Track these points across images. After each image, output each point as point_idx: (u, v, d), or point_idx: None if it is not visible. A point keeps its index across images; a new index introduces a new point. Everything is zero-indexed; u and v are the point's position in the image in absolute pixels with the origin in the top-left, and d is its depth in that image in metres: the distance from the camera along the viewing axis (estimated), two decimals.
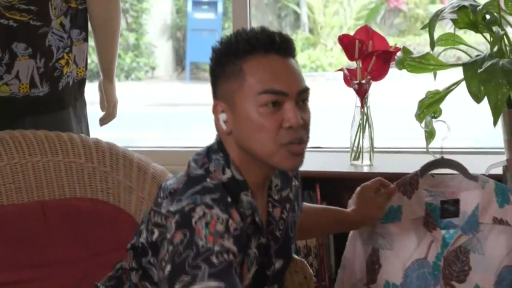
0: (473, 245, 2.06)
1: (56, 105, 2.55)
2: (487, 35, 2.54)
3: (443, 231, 2.07)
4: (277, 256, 1.78)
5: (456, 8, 2.51)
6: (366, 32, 2.77)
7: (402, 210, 2.08)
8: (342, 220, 2.06)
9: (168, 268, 1.56)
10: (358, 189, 2.08)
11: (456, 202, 2.07)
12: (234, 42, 1.67)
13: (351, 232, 2.13)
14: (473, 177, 2.08)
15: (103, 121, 2.78)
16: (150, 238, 1.70)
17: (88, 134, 2.67)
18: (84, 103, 2.69)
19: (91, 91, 2.79)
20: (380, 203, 2.04)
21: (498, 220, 2.06)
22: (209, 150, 1.72)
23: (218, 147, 1.71)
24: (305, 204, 2.12)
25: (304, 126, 1.68)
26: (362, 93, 2.77)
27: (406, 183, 2.08)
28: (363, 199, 2.05)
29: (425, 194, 2.08)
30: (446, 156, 2.73)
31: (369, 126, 2.81)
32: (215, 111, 1.70)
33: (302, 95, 1.68)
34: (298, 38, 11.16)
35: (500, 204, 2.07)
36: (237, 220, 1.60)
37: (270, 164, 1.67)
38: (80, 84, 2.63)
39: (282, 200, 1.81)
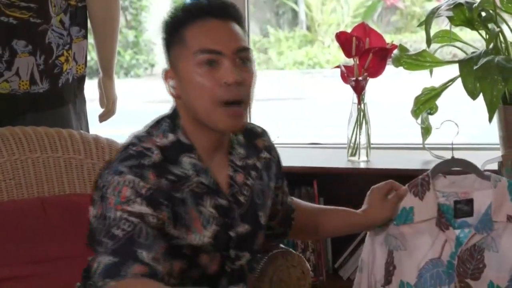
0: (487, 244, 2.04)
1: (56, 102, 2.56)
2: (483, 32, 2.55)
3: (457, 231, 2.06)
4: (242, 221, 1.83)
5: (452, 6, 2.52)
6: (363, 29, 2.78)
7: (414, 211, 2.06)
8: (353, 222, 2.08)
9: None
10: (369, 191, 2.10)
11: (470, 202, 2.05)
12: (177, 12, 1.77)
13: (367, 235, 2.14)
14: (486, 176, 2.07)
15: (103, 117, 2.79)
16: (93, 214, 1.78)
17: (87, 130, 2.68)
18: (83, 100, 2.69)
19: (91, 88, 2.80)
20: (391, 204, 2.06)
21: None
22: (163, 117, 1.81)
23: (171, 113, 1.80)
24: (317, 206, 2.18)
25: (244, 85, 1.73)
26: (359, 90, 2.79)
27: (418, 184, 2.08)
28: (374, 201, 2.07)
29: (437, 195, 2.08)
30: (442, 153, 2.75)
31: (366, 123, 2.82)
32: (165, 78, 1.79)
33: (241, 54, 1.73)
34: (296, 35, 11.16)
35: None
36: (152, 181, 1.68)
37: (208, 125, 1.73)
38: (79, 81, 2.64)
39: (246, 167, 1.86)
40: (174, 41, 1.76)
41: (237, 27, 1.76)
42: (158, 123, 1.80)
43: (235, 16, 1.78)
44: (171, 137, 1.77)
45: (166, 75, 1.78)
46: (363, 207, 2.07)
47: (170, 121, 1.79)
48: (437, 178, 2.10)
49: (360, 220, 2.06)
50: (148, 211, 1.66)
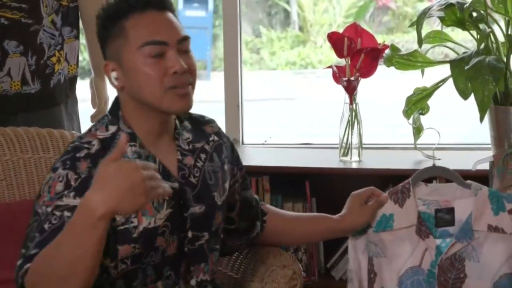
0: (468, 253, 2.04)
1: (48, 102, 2.56)
2: (474, 33, 2.55)
3: (438, 240, 2.06)
4: (196, 202, 1.88)
5: (443, 6, 2.52)
6: (354, 29, 2.79)
7: (394, 218, 2.07)
8: (331, 227, 2.10)
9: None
10: (349, 196, 2.11)
11: (451, 210, 2.06)
12: (113, 5, 1.80)
13: (349, 244, 2.14)
14: (467, 185, 2.07)
15: (94, 118, 2.78)
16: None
17: (79, 131, 2.68)
18: (75, 100, 2.70)
19: (83, 89, 2.80)
20: (369, 210, 2.08)
21: (493, 227, 2.04)
22: (105, 114, 1.87)
23: (111, 107, 1.87)
24: (294, 213, 2.22)
25: (190, 71, 1.80)
26: (351, 90, 2.79)
27: (398, 192, 2.08)
28: (352, 206, 2.08)
29: (418, 203, 2.07)
30: (431, 152, 2.76)
31: (358, 123, 2.83)
32: (106, 70, 1.82)
33: (183, 44, 1.80)
34: (288, 35, 11.16)
35: (496, 212, 2.05)
36: (82, 170, 1.73)
37: (161, 109, 1.79)
38: (71, 82, 2.64)
39: (194, 150, 1.92)
40: (113, 33, 1.79)
41: (174, 17, 1.82)
42: (99, 120, 1.87)
43: (170, 6, 1.83)
44: (112, 128, 1.83)
45: (107, 67, 1.81)
46: (342, 212, 2.09)
47: (110, 114, 1.85)
48: (418, 185, 2.09)
49: (337, 225, 2.08)
50: (77, 202, 1.65)
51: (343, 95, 2.82)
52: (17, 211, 2.21)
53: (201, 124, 1.99)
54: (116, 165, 1.54)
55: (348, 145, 2.85)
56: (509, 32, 2.53)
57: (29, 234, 1.72)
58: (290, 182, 2.92)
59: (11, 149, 2.25)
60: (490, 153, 2.50)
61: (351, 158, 2.86)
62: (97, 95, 2.76)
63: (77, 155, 1.76)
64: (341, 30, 2.81)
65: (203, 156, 1.94)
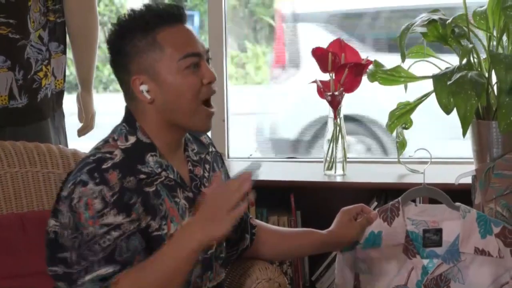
0: (453, 274, 2.06)
1: (35, 116, 2.56)
2: (456, 48, 2.58)
3: (425, 260, 2.07)
4: None
5: (426, 22, 2.55)
6: (338, 45, 2.81)
7: (382, 236, 2.08)
8: (319, 242, 2.12)
9: (64, 253, 1.77)
10: (339, 212, 2.14)
11: (439, 231, 2.08)
12: (139, 18, 1.83)
13: (337, 260, 2.15)
14: (455, 207, 2.09)
15: (81, 132, 2.79)
16: (47, 230, 1.85)
17: (66, 145, 2.68)
18: (62, 114, 2.70)
19: (70, 103, 2.81)
20: (358, 226, 2.10)
21: (480, 250, 2.06)
22: (117, 125, 1.90)
23: (124, 119, 1.89)
24: (283, 228, 2.26)
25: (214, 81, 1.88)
26: (335, 104, 2.81)
27: (387, 210, 2.09)
28: (341, 222, 2.11)
29: (407, 222, 2.08)
30: (416, 166, 2.78)
31: (342, 137, 2.85)
32: (134, 85, 1.84)
33: (208, 54, 1.89)
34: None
35: (483, 235, 2.07)
36: (114, 183, 1.77)
37: (187, 125, 1.86)
38: (58, 96, 2.65)
39: (201, 161, 1.98)
40: (142, 47, 1.82)
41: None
42: (114, 131, 1.89)
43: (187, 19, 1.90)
44: (131, 139, 1.85)
45: (136, 82, 1.84)
46: (331, 227, 2.11)
47: (126, 125, 1.87)
48: (407, 205, 2.11)
49: (325, 239, 2.10)
50: (120, 219, 1.74)
51: (328, 110, 2.84)
52: (4, 225, 2.21)
53: (197, 135, 2.03)
54: (224, 195, 1.66)
55: (332, 159, 2.87)
56: (491, 48, 2.56)
57: (73, 250, 1.75)
58: (275, 196, 2.93)
59: None
60: (473, 167, 2.52)
61: (335, 172, 2.87)
62: (84, 109, 2.77)
63: (103, 166, 1.78)
64: (325, 46, 2.84)
65: (207, 166, 1.99)
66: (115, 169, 1.78)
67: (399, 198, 2.10)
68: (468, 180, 2.43)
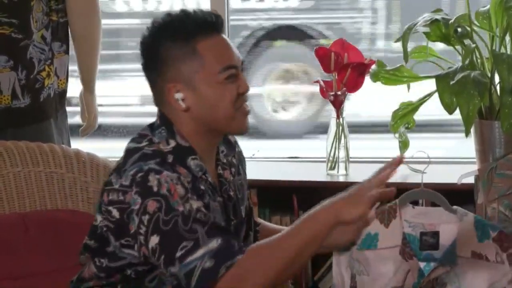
0: (450, 278, 2.05)
1: (38, 116, 2.56)
2: (459, 48, 2.58)
3: (422, 263, 2.05)
4: (233, 215, 1.93)
5: (428, 22, 2.54)
6: (341, 45, 2.81)
7: (378, 237, 2.08)
8: None
9: (154, 238, 1.71)
10: None
11: (436, 234, 2.07)
12: (179, 25, 1.82)
13: (333, 260, 2.15)
14: (452, 210, 2.08)
15: (84, 132, 2.80)
16: (109, 219, 1.80)
17: (69, 145, 2.68)
18: (65, 114, 2.70)
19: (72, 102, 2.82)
20: (355, 228, 2.07)
21: (477, 254, 2.05)
22: (151, 128, 1.88)
23: (161, 122, 1.86)
24: (273, 225, 2.22)
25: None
26: (338, 104, 2.81)
27: (385, 212, 2.08)
28: None
29: (404, 225, 2.08)
30: (418, 166, 2.78)
31: (345, 137, 2.85)
32: (170, 92, 1.83)
33: (243, 65, 1.89)
34: None
35: (480, 239, 2.06)
36: (186, 174, 1.78)
37: (227, 129, 1.88)
38: (61, 96, 2.65)
39: (229, 164, 1.97)
40: (181, 55, 1.81)
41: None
42: (152, 132, 1.86)
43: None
44: (172, 143, 1.84)
45: (171, 89, 1.82)
46: None
47: (165, 128, 1.85)
48: (405, 207, 2.10)
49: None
50: (200, 204, 1.75)
51: (330, 110, 2.84)
52: (6, 225, 2.22)
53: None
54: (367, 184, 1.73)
55: (335, 159, 2.87)
56: (494, 48, 2.55)
57: (176, 225, 1.71)
58: (277, 196, 2.93)
59: (1, 162, 2.27)
60: (475, 167, 2.52)
61: (338, 172, 2.87)
62: (87, 109, 2.77)
63: (168, 161, 1.79)
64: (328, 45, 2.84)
65: (233, 170, 1.98)
66: (178, 163, 1.79)
67: (397, 200, 2.10)
68: (470, 180, 2.42)
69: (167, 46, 1.82)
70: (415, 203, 2.17)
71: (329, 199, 1.76)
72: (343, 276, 2.11)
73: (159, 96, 1.87)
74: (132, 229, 1.76)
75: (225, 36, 1.87)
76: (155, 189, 1.73)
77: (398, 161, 1.73)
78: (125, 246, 1.81)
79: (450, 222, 2.07)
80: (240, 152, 2.07)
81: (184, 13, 1.83)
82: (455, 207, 2.09)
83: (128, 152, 1.83)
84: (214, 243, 1.69)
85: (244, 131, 1.89)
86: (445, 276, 2.05)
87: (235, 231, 1.93)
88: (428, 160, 2.25)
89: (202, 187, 1.83)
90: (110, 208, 1.79)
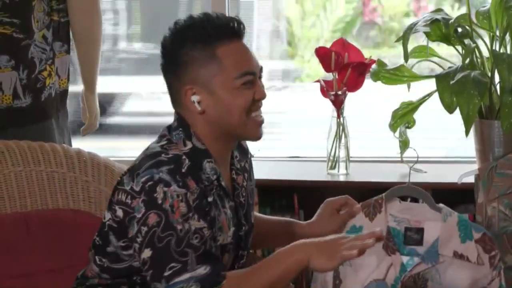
0: (431, 274, 2.05)
1: (39, 116, 2.56)
2: (459, 48, 2.58)
3: (405, 258, 2.07)
4: (244, 220, 1.95)
5: (429, 22, 2.55)
6: (342, 44, 2.81)
7: (363, 230, 2.07)
8: (296, 232, 2.12)
9: (147, 252, 1.74)
10: (324, 202, 2.14)
11: (420, 230, 2.07)
12: (200, 28, 1.83)
13: None
14: (437, 208, 2.09)
15: (85, 131, 2.80)
16: (114, 218, 1.83)
17: (70, 144, 2.68)
18: (66, 114, 2.71)
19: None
20: (340, 220, 2.10)
21: (459, 254, 2.05)
22: (169, 129, 1.89)
23: (178, 124, 1.88)
24: (258, 214, 2.21)
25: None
26: (338, 103, 2.82)
27: (370, 205, 2.09)
28: (323, 213, 2.11)
29: (389, 219, 2.09)
30: (419, 165, 2.78)
31: (345, 136, 2.85)
32: (186, 94, 1.84)
33: (261, 72, 1.90)
34: (276, 50, 11.17)
35: (463, 239, 2.06)
36: (194, 188, 1.78)
37: (241, 135, 1.89)
38: (62, 95, 2.65)
39: (242, 169, 1.98)
40: (201, 59, 1.82)
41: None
42: (170, 133, 1.88)
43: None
44: (189, 144, 1.85)
45: (189, 91, 1.84)
46: (313, 218, 2.12)
47: (182, 130, 1.87)
48: (392, 201, 2.10)
49: (303, 231, 2.10)
50: (202, 224, 1.76)
51: (331, 109, 2.85)
52: (8, 224, 2.22)
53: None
54: (348, 239, 1.73)
55: (335, 158, 2.88)
56: (494, 47, 2.56)
57: (169, 244, 1.73)
58: (278, 195, 2.94)
59: (2, 162, 2.26)
60: (475, 166, 2.52)
61: (338, 171, 2.88)
62: (88, 109, 2.77)
63: (182, 170, 1.79)
64: (328, 45, 2.84)
65: (246, 175, 2.00)
66: (191, 175, 1.79)
67: (383, 195, 2.10)
68: (471, 179, 2.43)
69: (187, 48, 1.83)
70: (403, 198, 2.17)
71: (306, 240, 1.79)
72: None
73: (176, 98, 1.88)
74: (130, 234, 1.79)
75: (244, 42, 1.88)
76: (160, 201, 1.74)
77: (379, 236, 1.74)
78: (125, 248, 1.84)
79: (435, 220, 2.07)
80: (250, 157, 2.09)
81: (206, 17, 1.84)
82: (441, 205, 2.10)
83: (146, 155, 1.84)
84: (202, 270, 1.73)
85: (257, 138, 1.90)
86: (427, 272, 2.05)
87: (245, 236, 1.95)
88: (416, 158, 2.25)
89: (210, 199, 1.84)
90: (117, 207, 1.82)
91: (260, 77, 1.89)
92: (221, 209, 1.87)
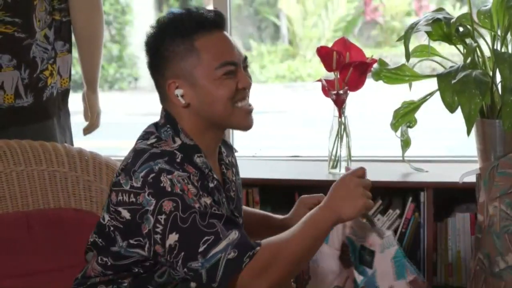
0: None
1: (40, 115, 2.57)
2: (461, 47, 2.58)
3: (359, 277, 2.07)
4: (237, 213, 1.98)
5: (430, 21, 2.55)
6: (343, 44, 2.82)
7: (330, 234, 2.11)
8: (272, 226, 2.16)
9: (173, 236, 1.74)
10: (298, 199, 2.18)
11: (372, 253, 2.07)
12: (179, 22, 1.85)
13: None
14: (381, 235, 2.09)
15: (87, 130, 2.81)
16: (118, 219, 1.82)
17: (71, 143, 2.69)
18: (68, 113, 2.71)
19: (75, 101, 2.82)
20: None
21: None
22: (156, 126, 1.91)
23: (166, 121, 1.89)
24: (246, 208, 2.23)
25: (249, 87, 1.93)
26: (339, 103, 2.82)
27: None
28: (298, 210, 2.15)
29: (350, 231, 2.10)
30: (420, 165, 2.79)
31: (347, 135, 2.86)
32: (170, 88, 1.86)
33: (245, 61, 1.91)
34: (278, 49, 11.19)
35: (398, 276, 2.06)
36: (193, 172, 1.81)
37: (228, 125, 1.91)
38: (64, 95, 2.66)
39: (230, 164, 2.01)
40: (181, 52, 1.84)
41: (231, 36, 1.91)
42: (157, 130, 1.89)
43: (225, 25, 1.91)
44: (178, 141, 1.87)
45: (171, 86, 1.86)
46: (288, 214, 2.16)
47: (170, 126, 1.88)
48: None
49: (278, 225, 2.13)
50: (211, 200, 1.78)
51: (332, 108, 2.85)
52: (10, 223, 2.23)
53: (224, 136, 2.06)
54: (357, 181, 1.82)
55: (337, 158, 2.88)
56: (495, 47, 2.56)
57: (195, 222, 1.74)
58: (279, 194, 2.94)
59: (4, 161, 2.27)
60: (477, 166, 2.52)
61: (340, 170, 2.88)
62: (90, 108, 2.78)
63: (177, 160, 1.81)
64: (330, 44, 2.84)
65: (234, 170, 2.02)
66: (186, 162, 1.81)
67: None
68: (472, 178, 2.43)
69: (167, 43, 1.85)
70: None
71: (329, 195, 1.83)
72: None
73: (162, 94, 1.90)
74: (146, 229, 1.78)
75: (225, 32, 1.89)
76: (169, 189, 1.76)
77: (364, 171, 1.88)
78: (134, 246, 1.83)
79: (377, 248, 2.08)
80: (234, 154, 2.11)
81: (186, 11, 1.86)
82: (388, 232, 2.09)
83: (137, 152, 1.84)
84: (234, 235, 1.73)
85: (247, 127, 1.91)
86: None
87: None
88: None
89: (211, 185, 1.86)
90: (120, 208, 1.81)
91: (245, 67, 1.90)
92: (220, 198, 1.89)
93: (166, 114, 1.90)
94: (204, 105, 1.86)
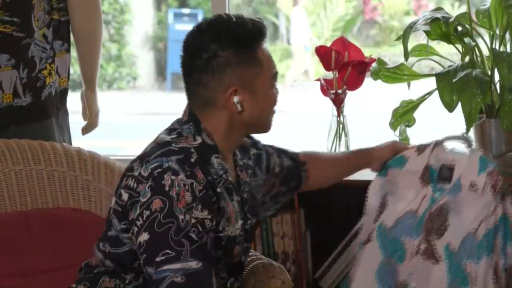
0: (452, 206, 2.14)
1: (39, 114, 2.57)
2: (459, 46, 2.58)
3: (436, 193, 2.17)
4: (250, 214, 2.01)
5: (429, 20, 2.55)
6: (342, 43, 2.81)
7: (408, 160, 2.22)
8: (363, 163, 2.31)
9: (145, 235, 1.78)
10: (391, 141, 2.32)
11: (451, 168, 2.16)
12: (243, 30, 1.88)
13: (373, 182, 2.28)
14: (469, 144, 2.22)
15: (85, 130, 2.80)
16: (119, 202, 1.87)
17: (70, 143, 2.69)
18: (66, 112, 2.71)
19: (74, 101, 2.82)
20: (397, 147, 2.28)
21: (472, 185, 2.12)
22: (179, 123, 1.94)
23: (189, 118, 1.92)
24: (330, 156, 2.45)
25: None
26: (338, 102, 2.82)
27: (425, 145, 2.23)
28: (388, 149, 2.28)
29: (431, 159, 2.19)
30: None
31: (345, 135, 2.85)
32: (228, 94, 1.89)
33: None
34: (277, 48, 11.20)
35: (478, 172, 2.13)
36: (201, 179, 1.83)
37: (261, 131, 1.99)
38: (62, 94, 2.66)
39: (245, 166, 2.03)
40: (246, 60, 1.89)
41: None
42: (180, 127, 1.92)
43: None
44: (198, 139, 1.90)
45: (231, 91, 1.89)
46: (376, 146, 2.29)
47: (193, 125, 1.91)
48: (440, 147, 2.21)
49: (373, 155, 2.27)
50: (205, 215, 1.81)
51: (331, 108, 2.85)
52: (8, 223, 2.23)
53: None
54: None
55: None
56: (494, 46, 2.56)
57: (168, 232, 1.77)
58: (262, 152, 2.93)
59: (2, 161, 2.27)
60: None
61: None
62: (88, 108, 2.78)
63: (191, 160, 1.84)
64: (328, 44, 2.84)
65: (249, 171, 2.05)
66: (199, 166, 1.84)
67: (434, 140, 2.22)
68: None
69: (228, 50, 1.87)
70: None
71: None
72: (375, 198, 2.26)
73: (208, 97, 1.90)
74: (131, 216, 1.82)
75: None
76: (166, 188, 1.79)
77: None
78: (125, 231, 1.87)
79: (465, 158, 2.17)
80: (259, 154, 2.13)
81: (239, 19, 1.89)
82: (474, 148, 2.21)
83: (157, 144, 1.88)
84: (194, 265, 1.76)
85: (269, 130, 2.00)
86: (448, 204, 2.14)
87: (251, 229, 2.03)
88: None
89: (219, 190, 1.88)
90: (123, 191, 1.86)
91: None
92: (229, 201, 1.91)
93: (190, 112, 1.93)
94: (255, 112, 1.92)
